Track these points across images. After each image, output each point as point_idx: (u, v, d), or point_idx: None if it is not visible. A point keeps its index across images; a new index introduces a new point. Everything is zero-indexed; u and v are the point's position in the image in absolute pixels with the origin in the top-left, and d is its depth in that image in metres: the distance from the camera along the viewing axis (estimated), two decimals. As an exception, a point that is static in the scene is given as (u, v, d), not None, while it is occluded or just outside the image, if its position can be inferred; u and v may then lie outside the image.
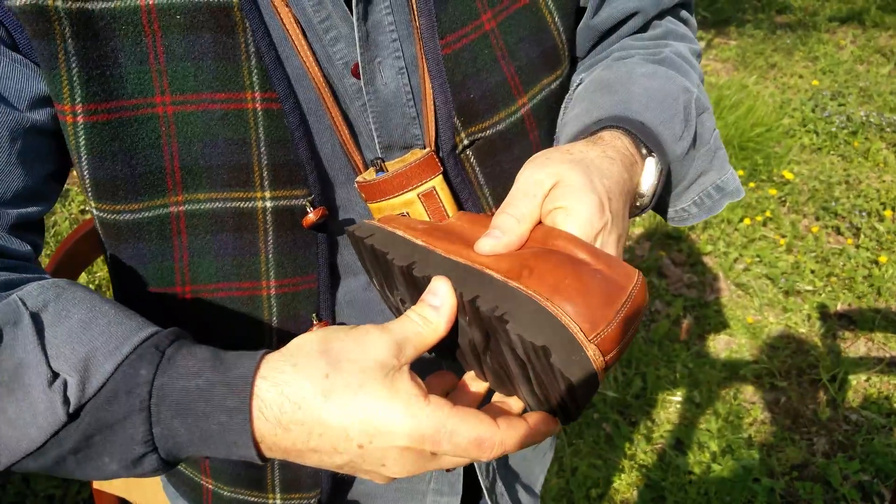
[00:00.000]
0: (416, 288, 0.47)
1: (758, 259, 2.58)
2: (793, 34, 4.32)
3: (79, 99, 0.47)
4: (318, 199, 0.53)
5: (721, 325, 2.32)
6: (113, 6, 0.47)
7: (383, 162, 0.55)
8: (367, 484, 0.67)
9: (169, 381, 0.40)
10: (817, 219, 2.79)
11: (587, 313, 0.41)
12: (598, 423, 1.97)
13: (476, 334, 0.44)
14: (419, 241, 0.48)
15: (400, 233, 0.50)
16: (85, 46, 0.46)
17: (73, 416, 0.39)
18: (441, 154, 0.56)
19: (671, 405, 2.05)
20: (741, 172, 2.94)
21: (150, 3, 0.47)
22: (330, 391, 0.38)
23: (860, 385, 2.12)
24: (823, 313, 2.37)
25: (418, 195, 0.55)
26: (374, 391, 0.38)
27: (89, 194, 0.50)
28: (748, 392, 2.10)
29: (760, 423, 2.01)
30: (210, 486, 0.65)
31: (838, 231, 2.72)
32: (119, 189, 0.50)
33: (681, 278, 2.50)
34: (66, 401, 0.39)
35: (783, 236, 2.68)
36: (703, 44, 4.18)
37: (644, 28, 0.66)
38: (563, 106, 0.63)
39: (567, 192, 0.46)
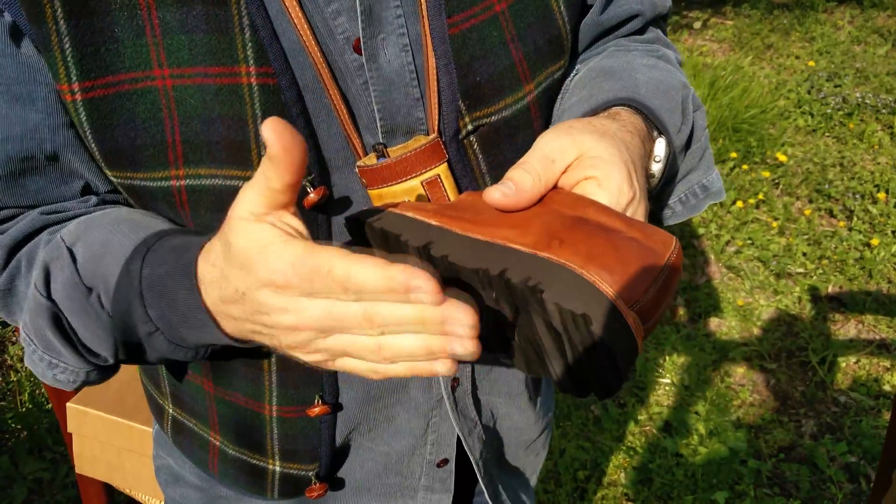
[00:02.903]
0: (433, 268, 0.45)
1: (749, 241, 2.57)
2: (790, 14, 4.29)
3: (74, 77, 0.47)
4: (318, 181, 0.52)
5: (711, 308, 2.31)
6: None
7: (385, 147, 0.53)
8: (361, 474, 0.67)
9: (150, 270, 0.47)
10: (810, 201, 2.78)
11: (625, 281, 0.40)
12: (587, 406, 1.97)
13: (504, 310, 0.43)
14: (433, 222, 0.47)
15: (411, 214, 0.48)
16: (78, 25, 0.47)
17: (112, 317, 0.49)
18: (444, 139, 0.54)
19: (660, 387, 2.05)
20: (734, 155, 2.92)
21: None
22: (227, 248, 0.41)
23: (849, 367, 2.12)
24: (814, 296, 2.37)
25: (422, 183, 0.53)
26: (240, 239, 0.40)
27: (101, 165, 0.52)
28: (737, 374, 2.10)
29: (749, 405, 2.01)
30: (217, 443, 0.66)
31: (831, 213, 2.71)
32: (123, 160, 0.51)
33: (672, 261, 2.50)
34: (103, 306, 0.49)
35: (776, 219, 2.67)
36: (699, 24, 4.14)
37: (640, 32, 0.67)
38: (560, 94, 0.62)
39: (597, 163, 0.46)
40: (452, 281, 0.45)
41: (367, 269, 0.36)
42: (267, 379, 0.59)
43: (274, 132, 0.35)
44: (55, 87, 0.49)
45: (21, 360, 2.03)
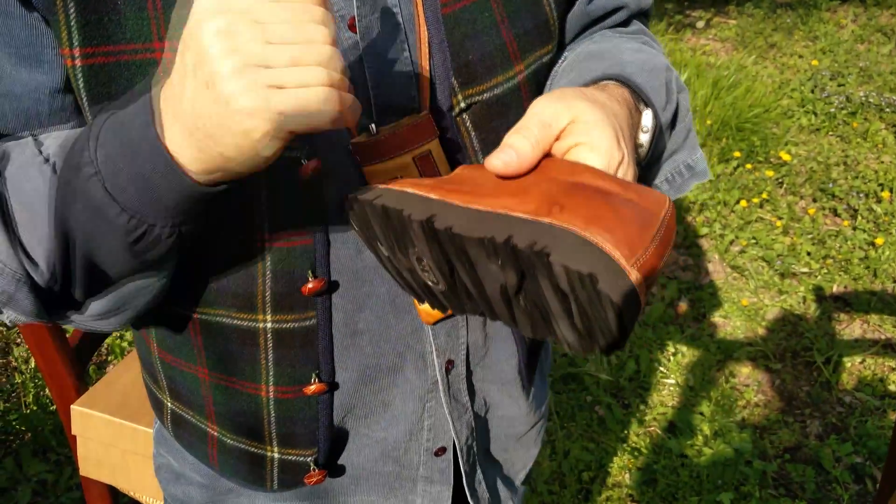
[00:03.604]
0: (436, 241, 0.47)
1: (754, 241, 2.57)
2: (793, 13, 4.28)
3: (76, 42, 0.49)
4: (311, 155, 0.53)
5: (716, 308, 2.31)
6: None
7: (378, 125, 0.54)
8: (359, 461, 0.67)
9: (111, 116, 0.46)
10: (814, 200, 2.77)
11: (626, 240, 0.42)
12: (591, 406, 1.97)
13: (510, 277, 0.44)
14: (433, 196, 0.48)
15: (410, 190, 0.49)
16: None
17: (62, 180, 0.47)
18: (437, 116, 0.56)
19: (665, 388, 2.04)
20: (738, 154, 2.92)
21: None
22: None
23: (854, 367, 2.11)
24: (819, 295, 2.36)
25: (414, 158, 0.54)
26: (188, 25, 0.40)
27: None
28: (742, 374, 2.10)
29: (754, 406, 2.01)
30: (215, 434, 0.66)
31: (835, 213, 2.71)
32: None
33: (676, 260, 2.49)
34: (55, 172, 0.48)
35: (780, 218, 2.67)
36: (702, 23, 4.14)
37: (625, 24, 0.70)
38: (550, 78, 0.63)
39: (587, 128, 0.48)
40: (459, 252, 0.46)
41: None
42: (263, 357, 0.60)
43: None
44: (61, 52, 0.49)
45: (25, 361, 2.03)
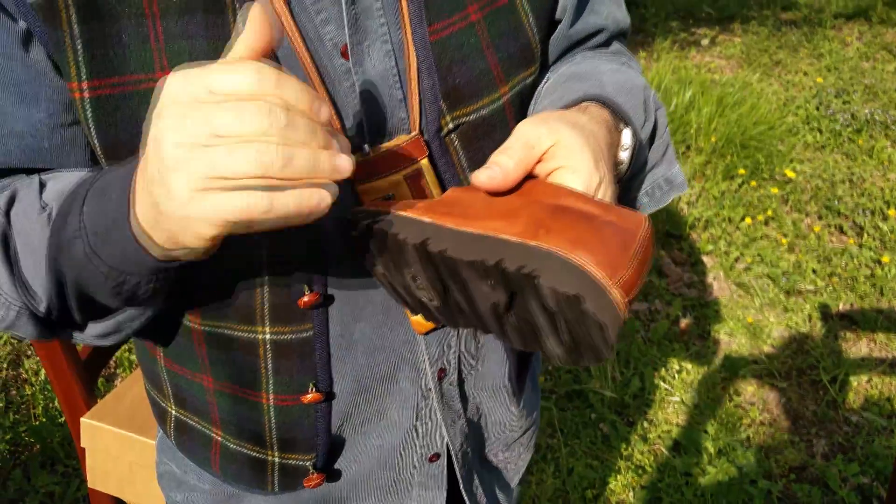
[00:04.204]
0: (431, 263, 0.49)
1: (759, 258, 2.57)
2: (798, 31, 4.30)
3: (84, 76, 0.52)
4: None
5: (721, 325, 2.31)
6: None
7: (370, 146, 0.57)
8: (356, 467, 0.69)
9: (101, 179, 0.49)
10: (820, 218, 2.77)
11: (608, 261, 0.45)
12: (595, 424, 1.97)
13: (500, 296, 0.47)
14: (426, 219, 0.50)
15: (402, 213, 0.51)
16: (90, 29, 0.51)
17: (54, 228, 0.51)
18: (427, 137, 0.59)
19: (669, 405, 2.04)
20: (742, 171, 2.93)
21: None
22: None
23: (861, 386, 2.11)
24: (825, 313, 2.36)
25: (405, 176, 0.57)
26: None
27: (101, 159, 0.55)
28: (747, 393, 2.10)
29: (759, 425, 2.00)
30: (219, 439, 0.68)
31: (841, 230, 2.71)
32: (123, 155, 0.54)
33: (681, 277, 2.50)
34: (50, 220, 0.52)
35: (785, 235, 2.67)
36: (706, 41, 4.16)
37: (605, 45, 0.73)
38: (534, 98, 0.66)
39: (567, 153, 0.50)
40: (452, 273, 0.49)
41: (301, 87, 0.40)
42: (263, 366, 0.62)
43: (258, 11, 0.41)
44: (61, 88, 0.53)
45: (35, 373, 2.05)
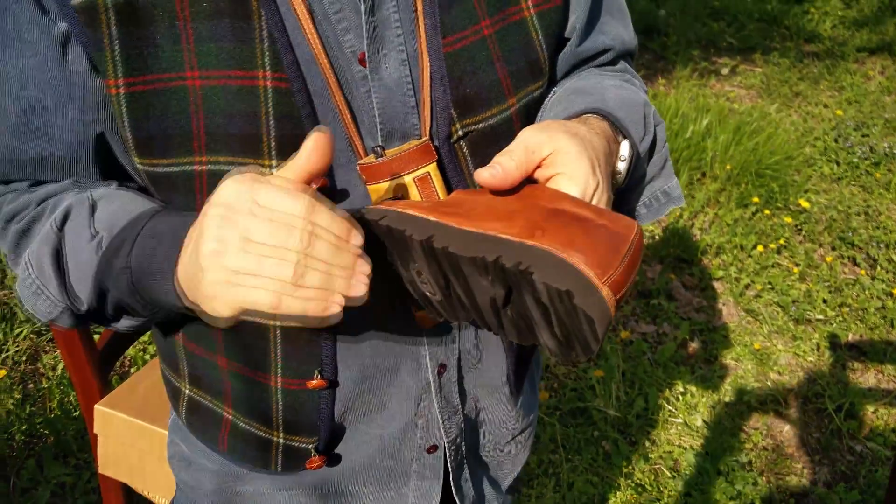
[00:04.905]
0: (434, 258, 0.53)
1: (769, 286, 2.57)
2: (820, 63, 4.31)
3: (120, 73, 0.56)
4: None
5: (728, 350, 2.32)
6: None
7: (383, 149, 0.61)
8: (357, 454, 0.72)
9: (153, 224, 0.57)
10: (833, 249, 2.77)
11: (598, 261, 0.48)
12: (598, 441, 1.98)
13: (498, 291, 0.51)
14: (431, 218, 0.54)
15: (410, 212, 0.55)
16: (127, 31, 0.56)
17: (104, 257, 0.58)
18: (436, 143, 0.62)
19: (672, 427, 2.05)
20: (756, 199, 2.94)
21: None
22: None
23: (867, 416, 2.10)
24: (834, 343, 2.35)
25: (414, 179, 0.61)
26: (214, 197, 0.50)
27: (132, 152, 0.60)
28: (751, 418, 2.10)
29: (761, 450, 2.00)
30: (230, 417, 0.72)
31: (854, 262, 2.71)
32: (154, 147, 0.59)
33: (690, 301, 2.51)
34: (100, 249, 0.58)
35: (797, 264, 2.68)
36: (726, 70, 4.19)
37: (612, 63, 0.77)
38: (540, 111, 0.70)
39: (565, 159, 0.54)
40: (454, 268, 0.52)
41: (333, 217, 0.48)
42: (273, 352, 0.66)
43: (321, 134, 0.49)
44: (95, 87, 0.58)
45: (52, 368, 2.11)
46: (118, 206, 0.60)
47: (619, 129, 0.63)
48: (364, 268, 0.49)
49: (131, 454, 1.22)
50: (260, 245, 0.46)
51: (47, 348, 2.20)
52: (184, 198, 0.61)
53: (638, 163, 0.66)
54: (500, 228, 0.51)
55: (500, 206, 0.54)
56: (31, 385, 2.07)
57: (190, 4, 0.56)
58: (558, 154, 0.54)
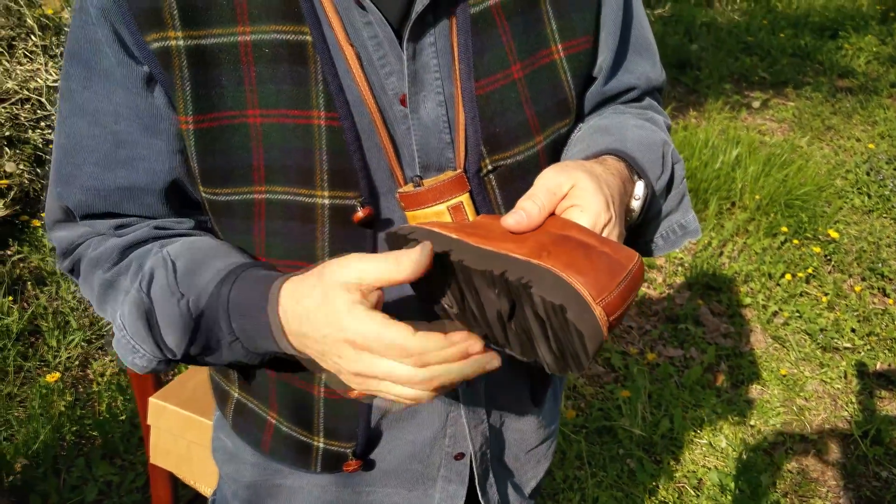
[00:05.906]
0: (451, 271, 0.58)
1: (797, 314, 2.59)
2: (853, 98, 4.33)
3: (190, 111, 0.62)
4: (367, 202, 0.67)
5: (754, 376, 2.34)
6: (220, 42, 0.62)
7: (421, 179, 0.68)
8: (390, 458, 0.78)
9: (236, 294, 0.62)
10: (863, 279, 2.78)
11: (594, 283, 0.52)
12: (623, 459, 2.02)
13: (503, 303, 0.55)
14: (453, 235, 0.59)
15: (437, 230, 0.60)
16: (197, 73, 0.62)
17: (195, 321, 0.63)
18: (468, 175, 0.67)
19: (697, 447, 2.08)
20: (785, 229, 2.97)
21: (247, 39, 0.62)
22: (323, 298, 0.56)
23: (894, 443, 2.10)
24: (861, 371, 2.36)
25: (448, 207, 0.66)
26: (336, 301, 0.55)
27: (198, 181, 0.66)
28: (777, 441, 2.11)
29: (786, 473, 2.01)
30: (273, 421, 0.77)
31: (884, 292, 2.71)
32: (217, 178, 0.65)
33: (717, 327, 2.54)
34: (190, 311, 0.64)
35: (825, 294, 2.69)
36: (758, 103, 4.24)
37: (637, 100, 0.81)
38: (567, 146, 0.76)
39: (581, 194, 0.59)
40: (467, 281, 0.59)
41: (433, 340, 0.53)
42: None
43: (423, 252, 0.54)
44: (175, 121, 0.64)
45: (101, 374, 2.23)
46: (196, 264, 0.65)
47: (635, 170, 0.67)
48: (494, 362, 0.56)
49: (180, 444, 1.31)
50: (385, 377, 0.55)
51: (97, 356, 2.32)
52: (241, 222, 0.67)
53: (653, 200, 0.70)
54: (511, 248, 0.56)
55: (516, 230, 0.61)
56: (82, 389, 2.18)
57: (253, 50, 0.61)
58: (576, 189, 0.59)
